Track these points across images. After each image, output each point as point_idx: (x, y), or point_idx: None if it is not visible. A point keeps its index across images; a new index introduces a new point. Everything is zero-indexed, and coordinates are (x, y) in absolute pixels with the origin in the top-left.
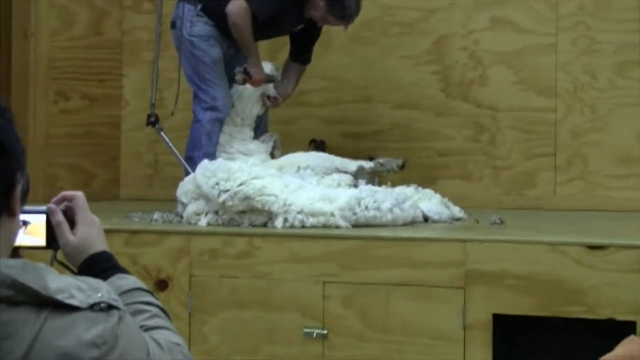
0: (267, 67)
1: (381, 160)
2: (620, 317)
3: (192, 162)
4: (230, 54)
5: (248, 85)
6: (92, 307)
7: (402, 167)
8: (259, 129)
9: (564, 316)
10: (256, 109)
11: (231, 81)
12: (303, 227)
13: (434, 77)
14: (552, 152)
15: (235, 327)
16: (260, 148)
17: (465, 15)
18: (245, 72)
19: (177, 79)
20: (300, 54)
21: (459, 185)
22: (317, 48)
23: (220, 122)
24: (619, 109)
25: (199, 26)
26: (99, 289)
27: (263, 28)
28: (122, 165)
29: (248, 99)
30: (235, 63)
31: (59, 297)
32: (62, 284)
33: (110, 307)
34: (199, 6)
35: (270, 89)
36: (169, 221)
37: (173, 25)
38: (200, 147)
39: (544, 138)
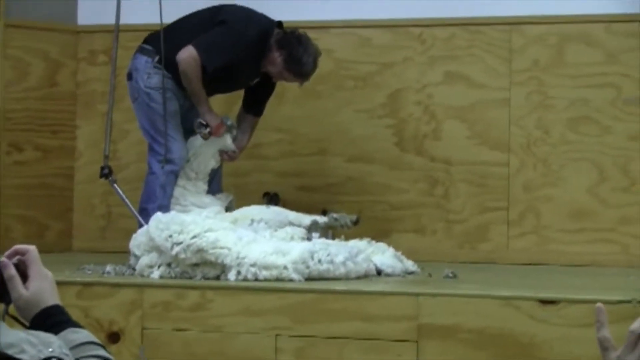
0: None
1: (335, 215)
2: None
3: (146, 214)
4: (186, 106)
5: (205, 142)
6: None
7: (355, 223)
8: (213, 183)
9: None
10: (211, 164)
11: (187, 133)
12: (256, 280)
13: (388, 130)
14: (505, 206)
15: None
16: (214, 201)
17: (419, 70)
18: (203, 125)
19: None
20: (254, 106)
21: (412, 239)
22: (271, 101)
23: (175, 175)
24: (571, 164)
25: (156, 78)
26: (51, 344)
27: (217, 82)
28: (75, 217)
29: (204, 155)
30: (191, 115)
31: (10, 351)
32: (13, 339)
33: None
34: (156, 58)
35: (229, 144)
36: (121, 273)
37: (129, 77)
38: (155, 199)
39: (497, 192)
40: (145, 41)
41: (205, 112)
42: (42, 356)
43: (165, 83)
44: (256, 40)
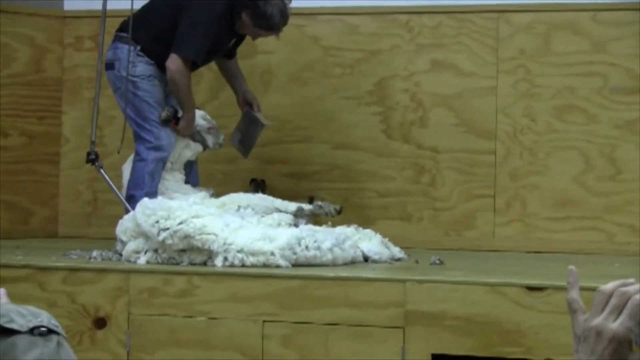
0: (198, 114)
1: (320, 203)
2: (558, 359)
3: (134, 201)
4: (168, 91)
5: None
6: (32, 330)
7: (339, 212)
8: (191, 176)
9: (503, 357)
10: (186, 154)
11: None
12: (243, 266)
13: (375, 118)
14: (491, 194)
15: None
16: (193, 190)
17: (406, 58)
18: (175, 116)
19: (124, 118)
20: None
21: (398, 226)
22: (258, 88)
23: (164, 162)
24: (557, 152)
25: (141, 66)
26: (40, 314)
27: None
28: (60, 202)
29: (178, 144)
30: (173, 100)
31: None
32: (2, 310)
33: (50, 331)
34: (138, 47)
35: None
36: (108, 259)
37: (110, 66)
38: (143, 186)
39: (483, 180)
40: (121, 29)
41: (188, 120)
42: (31, 325)
43: (151, 70)
44: (225, 12)
